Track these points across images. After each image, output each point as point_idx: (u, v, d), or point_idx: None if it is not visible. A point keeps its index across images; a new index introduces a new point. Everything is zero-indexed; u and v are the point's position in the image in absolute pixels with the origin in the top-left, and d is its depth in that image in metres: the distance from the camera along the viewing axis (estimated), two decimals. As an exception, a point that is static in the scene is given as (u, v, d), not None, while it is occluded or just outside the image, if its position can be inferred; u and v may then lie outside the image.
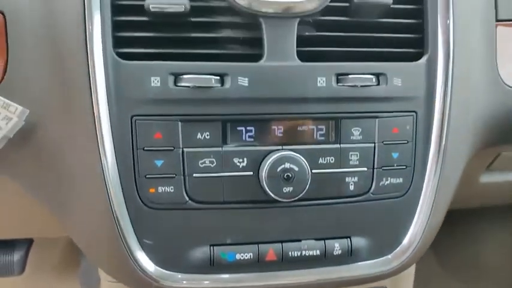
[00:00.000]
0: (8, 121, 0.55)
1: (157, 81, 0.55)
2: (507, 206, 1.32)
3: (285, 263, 0.61)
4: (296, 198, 0.57)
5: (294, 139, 0.59)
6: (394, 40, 0.61)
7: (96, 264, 0.74)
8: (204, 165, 0.57)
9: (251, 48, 0.58)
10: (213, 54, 0.57)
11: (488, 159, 0.92)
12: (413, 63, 0.61)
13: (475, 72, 0.66)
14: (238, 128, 0.58)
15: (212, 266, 0.60)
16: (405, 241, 0.64)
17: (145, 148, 0.56)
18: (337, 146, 0.59)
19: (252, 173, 0.58)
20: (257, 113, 0.58)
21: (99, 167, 0.55)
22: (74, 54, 0.55)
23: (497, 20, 0.69)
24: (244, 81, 0.56)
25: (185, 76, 0.55)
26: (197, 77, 0.55)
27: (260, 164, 0.57)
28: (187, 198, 0.57)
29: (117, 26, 0.56)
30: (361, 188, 0.61)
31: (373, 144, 0.60)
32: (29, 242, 1.14)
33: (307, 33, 0.59)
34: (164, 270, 0.60)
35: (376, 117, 0.60)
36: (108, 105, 0.55)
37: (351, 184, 0.60)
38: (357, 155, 0.60)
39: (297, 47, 0.58)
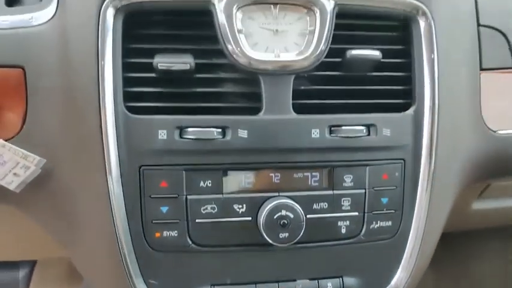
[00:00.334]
0: (26, 169, 0.61)
1: (164, 134, 0.59)
2: (502, 227, 1.36)
3: None
4: (291, 243, 0.61)
5: (290, 186, 0.63)
6: (383, 91, 0.66)
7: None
8: (206, 211, 0.61)
9: (250, 102, 0.63)
10: (216, 107, 0.62)
11: (479, 189, 0.96)
12: (402, 114, 0.65)
13: (460, 118, 0.70)
14: (238, 176, 0.62)
15: None
16: (394, 281, 0.68)
17: (152, 196, 0.60)
18: (331, 192, 0.64)
19: (250, 218, 0.62)
20: (255, 162, 0.62)
21: (109, 212, 0.60)
22: (87, 108, 0.59)
23: (481, 69, 0.74)
24: (243, 133, 0.61)
25: (190, 129, 0.60)
26: (201, 130, 0.60)
27: (258, 210, 0.62)
28: (190, 242, 0.62)
29: (127, 82, 0.60)
30: (352, 231, 0.65)
31: (364, 190, 0.64)
32: (33, 261, 1.18)
33: (302, 87, 0.64)
34: None
35: (367, 165, 0.64)
36: (119, 155, 0.59)
37: (343, 228, 0.64)
38: (348, 200, 0.64)
39: (292, 99, 0.62)
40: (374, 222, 0.66)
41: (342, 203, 0.64)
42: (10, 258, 1.04)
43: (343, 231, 0.65)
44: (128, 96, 0.60)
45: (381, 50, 0.65)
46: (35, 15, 0.63)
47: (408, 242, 0.68)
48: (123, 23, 0.60)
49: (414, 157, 0.66)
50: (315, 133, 0.62)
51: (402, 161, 0.65)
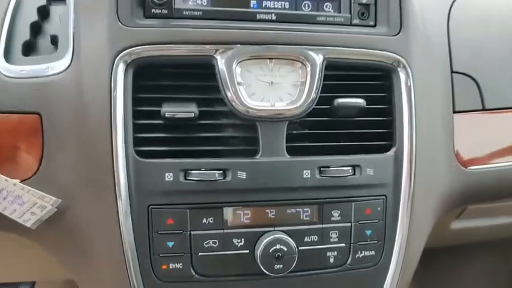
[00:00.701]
0: (43, 209, 0.66)
1: (170, 177, 0.65)
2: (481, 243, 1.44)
3: None
4: (285, 272, 0.67)
5: (283, 221, 0.69)
6: (367, 134, 0.72)
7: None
8: (208, 245, 0.67)
9: (248, 145, 0.69)
10: (217, 150, 0.68)
11: (456, 212, 1.03)
12: (384, 155, 0.72)
13: (435, 157, 0.77)
14: (237, 213, 0.68)
15: None
16: None
17: (159, 232, 0.66)
18: (320, 226, 0.70)
19: (248, 251, 0.68)
20: (253, 200, 0.68)
21: (120, 247, 0.65)
22: (100, 152, 0.64)
23: (454, 112, 0.81)
24: (242, 175, 0.67)
25: (193, 171, 0.65)
26: (203, 172, 0.66)
27: (255, 243, 0.68)
28: (193, 273, 0.67)
29: (137, 128, 0.66)
30: (339, 260, 0.71)
31: (349, 224, 0.71)
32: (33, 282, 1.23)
33: (294, 132, 0.70)
34: None
35: (352, 201, 0.71)
36: (129, 196, 0.65)
37: (331, 257, 0.71)
38: (336, 233, 0.71)
39: (286, 143, 0.68)
40: (359, 252, 0.72)
41: (331, 236, 0.70)
42: (11, 279, 1.07)
43: (332, 260, 0.71)
44: (138, 141, 0.66)
45: (365, 98, 0.71)
46: (51, 65, 0.69)
47: (390, 268, 0.74)
48: (133, 75, 0.66)
49: (394, 193, 0.72)
50: (306, 174, 0.68)
51: (384, 197, 0.72)
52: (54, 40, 0.73)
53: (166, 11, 0.67)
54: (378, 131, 0.73)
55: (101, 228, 0.67)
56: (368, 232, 0.72)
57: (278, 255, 0.66)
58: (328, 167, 0.69)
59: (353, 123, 0.72)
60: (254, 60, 0.68)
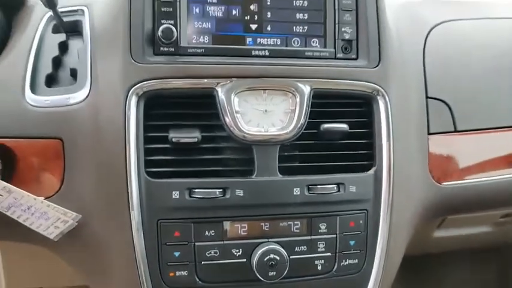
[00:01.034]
0: (65, 223, 0.74)
1: (177, 195, 0.73)
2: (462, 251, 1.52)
3: None
4: (278, 279, 0.75)
5: (276, 233, 0.77)
6: (350, 155, 0.80)
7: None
8: (210, 254, 0.75)
9: (245, 166, 0.76)
10: (218, 170, 0.76)
11: (437, 222, 1.11)
12: (365, 173, 0.80)
13: (412, 174, 0.85)
14: (235, 226, 0.76)
15: None
16: None
17: (167, 243, 0.74)
18: (309, 237, 0.78)
19: (245, 260, 0.76)
20: (249, 215, 0.76)
21: (133, 257, 0.73)
22: (115, 173, 0.72)
23: (429, 133, 0.89)
24: (240, 193, 0.75)
25: (197, 190, 0.73)
26: (206, 190, 0.74)
27: (252, 253, 0.75)
28: (197, 280, 0.75)
29: (147, 152, 0.74)
30: (326, 268, 0.79)
31: (335, 235, 0.79)
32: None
33: (286, 153, 0.78)
34: None
35: (337, 215, 0.79)
36: (141, 212, 0.73)
37: (319, 265, 0.78)
38: (323, 243, 0.78)
39: (278, 163, 0.76)
40: (344, 260, 0.79)
41: (318, 246, 0.78)
42: (33, 285, 1.15)
43: (319, 268, 0.78)
44: (148, 163, 0.73)
45: (348, 123, 0.79)
46: (72, 96, 0.77)
47: (372, 274, 0.81)
48: (144, 105, 0.74)
49: (375, 208, 0.80)
50: (296, 191, 0.76)
51: (365, 211, 0.80)
52: (73, 73, 0.81)
53: (173, 49, 0.75)
54: (359, 152, 0.81)
55: (115, 240, 0.75)
56: (352, 242, 0.80)
57: (272, 263, 0.74)
58: (316, 185, 0.77)
59: (337, 146, 0.80)
60: (250, 91, 0.76)
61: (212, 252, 0.75)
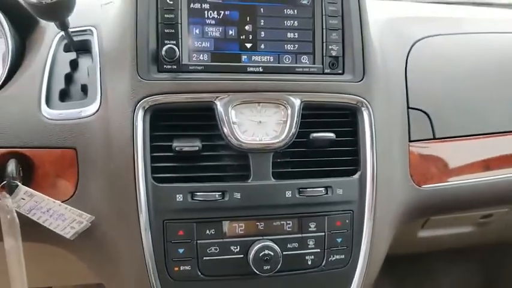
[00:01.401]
0: (80, 224, 0.82)
1: (181, 197, 0.80)
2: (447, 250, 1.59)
3: None
4: (272, 272, 0.82)
5: (270, 231, 0.83)
6: (337, 161, 0.87)
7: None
8: (210, 251, 0.82)
9: (242, 172, 0.83)
10: (217, 175, 0.83)
11: (421, 222, 1.18)
12: (350, 178, 0.87)
13: (394, 178, 0.93)
14: (233, 225, 0.83)
15: None
16: None
17: (172, 241, 0.81)
18: (300, 235, 0.85)
19: (242, 255, 0.82)
20: (246, 215, 0.83)
21: (141, 254, 0.80)
22: (125, 179, 0.79)
23: (409, 141, 0.97)
24: (237, 195, 0.81)
25: (198, 193, 0.80)
26: (206, 193, 0.81)
27: (248, 249, 0.82)
28: (199, 273, 0.82)
29: (153, 159, 0.80)
30: (316, 262, 0.85)
31: (323, 233, 0.85)
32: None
33: (278, 160, 0.85)
34: None
35: (326, 215, 0.85)
36: (148, 213, 0.80)
37: (309, 260, 0.85)
38: (313, 241, 0.85)
39: (272, 169, 0.83)
40: (331, 256, 0.86)
41: (308, 243, 0.85)
42: (48, 284, 1.23)
43: (309, 262, 0.85)
44: (154, 170, 0.80)
45: (335, 132, 0.86)
46: (84, 109, 0.84)
47: (357, 269, 0.87)
48: (150, 118, 0.81)
49: (360, 208, 0.87)
50: (288, 194, 0.83)
51: (351, 211, 0.86)
52: (84, 88, 0.88)
53: (175, 66, 0.82)
54: (345, 158, 0.88)
55: (125, 239, 0.82)
56: (339, 240, 0.86)
57: (266, 258, 0.81)
58: (306, 188, 0.84)
59: (326, 153, 0.86)
60: (245, 104, 0.82)
61: (213, 249, 0.82)
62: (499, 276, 1.75)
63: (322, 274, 0.87)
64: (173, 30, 0.83)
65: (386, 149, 0.91)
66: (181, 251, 0.81)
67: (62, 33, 0.92)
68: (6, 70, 0.88)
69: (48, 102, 0.86)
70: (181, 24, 0.84)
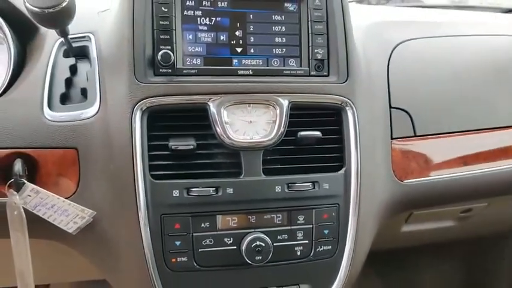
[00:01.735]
0: (82, 219, 0.86)
1: (177, 193, 0.85)
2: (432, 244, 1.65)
3: None
4: (264, 262, 0.87)
5: (261, 224, 0.87)
6: (323, 158, 0.92)
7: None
8: (205, 243, 0.86)
9: (234, 169, 0.88)
10: (211, 172, 0.88)
11: (404, 217, 1.24)
12: (336, 173, 0.92)
13: (377, 173, 0.98)
14: (227, 219, 0.88)
15: None
16: (333, 287, 0.94)
17: (169, 234, 0.85)
18: (289, 227, 0.89)
19: (235, 247, 0.87)
20: (238, 209, 0.88)
21: (141, 246, 0.85)
22: (125, 177, 0.84)
23: (392, 138, 1.03)
24: (230, 191, 0.86)
25: (194, 189, 0.85)
26: (201, 189, 0.85)
27: (241, 241, 0.87)
28: (195, 264, 0.87)
29: (151, 158, 0.85)
30: (304, 253, 0.89)
31: (311, 226, 0.90)
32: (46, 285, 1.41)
33: (268, 157, 0.90)
34: None
35: (313, 208, 0.90)
36: (147, 208, 0.84)
37: (298, 251, 0.89)
38: (301, 232, 0.90)
39: (262, 166, 0.88)
40: (319, 247, 0.90)
41: (297, 235, 0.89)
42: (51, 280, 1.27)
43: (298, 253, 0.89)
44: (152, 168, 0.85)
45: (321, 130, 0.91)
46: (84, 111, 0.89)
47: (343, 259, 0.92)
48: (147, 118, 0.85)
49: (345, 202, 0.91)
50: (278, 189, 0.87)
51: (337, 205, 0.91)
52: (83, 92, 0.93)
53: (170, 70, 0.87)
54: (331, 155, 0.93)
55: (125, 233, 0.87)
56: (326, 231, 0.91)
57: (258, 249, 0.86)
58: (294, 183, 0.89)
59: (313, 150, 0.90)
60: (237, 105, 0.86)
61: (207, 241, 0.86)
62: (481, 271, 1.81)
63: (311, 264, 0.91)
64: (168, 36, 0.88)
65: (370, 146, 0.96)
66: (178, 243, 0.85)
67: (62, 39, 0.97)
68: (9, 75, 0.93)
69: (50, 105, 0.89)
70: (175, 30, 0.89)
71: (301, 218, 0.90)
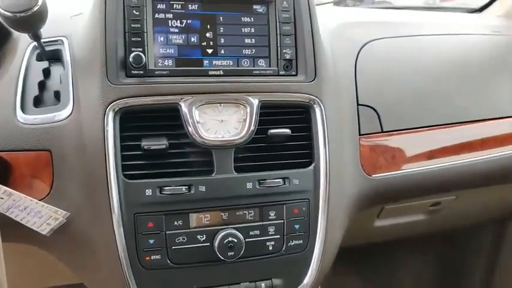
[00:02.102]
0: (56, 220, 0.87)
1: (150, 192, 0.86)
2: (419, 238, 1.68)
3: None
4: (236, 258, 0.89)
5: (234, 220, 0.89)
6: (293, 154, 0.95)
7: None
8: (179, 241, 0.88)
9: (206, 167, 0.90)
10: (184, 171, 0.90)
11: (375, 212, 1.27)
12: (306, 169, 0.94)
13: (345, 169, 1.01)
14: (199, 216, 0.89)
15: None
16: (305, 280, 0.97)
17: (143, 232, 0.86)
18: (261, 223, 0.91)
19: (208, 244, 0.89)
20: (211, 207, 0.90)
21: (115, 245, 0.86)
22: (97, 177, 0.85)
23: (360, 135, 1.06)
24: (202, 188, 0.88)
25: (166, 188, 0.86)
26: (174, 188, 0.87)
27: (213, 238, 0.89)
28: (169, 262, 0.88)
29: (124, 158, 0.86)
30: (276, 248, 0.91)
31: (282, 221, 0.91)
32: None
33: (240, 155, 0.92)
34: None
35: (284, 204, 0.92)
36: (120, 207, 0.85)
37: (270, 246, 0.91)
38: (273, 228, 0.92)
39: (234, 163, 0.90)
40: (291, 241, 0.92)
41: (269, 230, 0.91)
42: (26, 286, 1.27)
43: (270, 248, 0.91)
44: (125, 167, 0.86)
45: (291, 128, 0.93)
46: (57, 114, 0.90)
47: (314, 253, 0.94)
48: (120, 119, 0.86)
49: (315, 197, 0.93)
50: (249, 185, 0.89)
51: (307, 200, 0.93)
52: (56, 95, 0.94)
53: (142, 72, 0.88)
54: (300, 152, 0.95)
55: (99, 233, 0.88)
56: (297, 226, 0.93)
57: (230, 245, 0.88)
58: (265, 180, 0.91)
59: (283, 147, 0.92)
60: (208, 104, 0.88)
61: (181, 239, 0.87)
62: (454, 266, 1.86)
63: (283, 258, 0.93)
64: (139, 39, 0.90)
65: (338, 142, 0.99)
66: (151, 241, 0.86)
67: (35, 43, 0.98)
68: (-19, 79, 0.93)
69: (23, 108, 0.90)
70: (147, 33, 0.90)
71: (272, 214, 0.92)
